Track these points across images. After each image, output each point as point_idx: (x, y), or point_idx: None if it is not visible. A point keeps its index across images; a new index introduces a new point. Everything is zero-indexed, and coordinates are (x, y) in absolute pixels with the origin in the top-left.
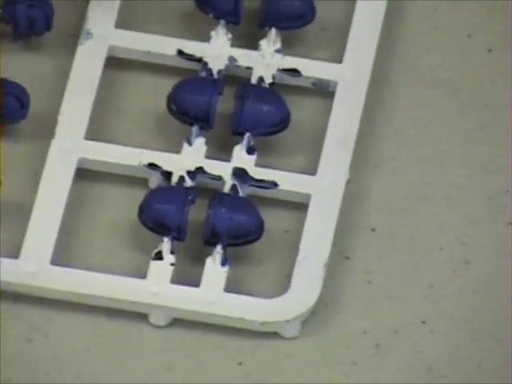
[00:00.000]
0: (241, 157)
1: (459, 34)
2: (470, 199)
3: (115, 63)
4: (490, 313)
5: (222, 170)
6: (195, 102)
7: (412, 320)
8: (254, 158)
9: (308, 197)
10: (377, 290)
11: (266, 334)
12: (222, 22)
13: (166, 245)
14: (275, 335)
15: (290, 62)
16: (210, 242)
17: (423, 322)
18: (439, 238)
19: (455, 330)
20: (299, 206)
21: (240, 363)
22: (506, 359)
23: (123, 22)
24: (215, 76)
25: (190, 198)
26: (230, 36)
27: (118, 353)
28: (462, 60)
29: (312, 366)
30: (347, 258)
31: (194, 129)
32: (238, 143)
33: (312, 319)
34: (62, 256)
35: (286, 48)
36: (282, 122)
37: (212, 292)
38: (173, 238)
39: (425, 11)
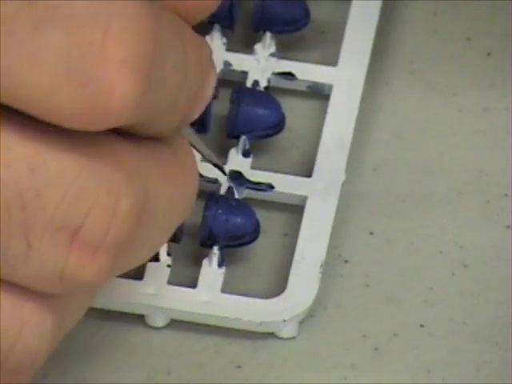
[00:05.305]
0: (236, 160)
1: (458, 37)
2: (468, 203)
3: None
4: (488, 316)
5: (217, 172)
6: None
7: (411, 323)
8: (249, 160)
9: (304, 198)
10: (375, 294)
11: (265, 337)
12: (217, 26)
13: (162, 246)
14: (274, 338)
15: (285, 65)
16: (207, 243)
17: (422, 326)
18: (438, 242)
19: (454, 333)
20: (296, 207)
21: (239, 366)
22: (505, 363)
23: None
24: None
25: None
26: (224, 40)
27: (115, 354)
28: (460, 63)
29: (311, 369)
30: (346, 262)
31: None
32: (233, 146)
33: (311, 322)
34: None
35: (282, 51)
36: (277, 125)
37: (209, 293)
38: (169, 240)
39: (424, 15)
